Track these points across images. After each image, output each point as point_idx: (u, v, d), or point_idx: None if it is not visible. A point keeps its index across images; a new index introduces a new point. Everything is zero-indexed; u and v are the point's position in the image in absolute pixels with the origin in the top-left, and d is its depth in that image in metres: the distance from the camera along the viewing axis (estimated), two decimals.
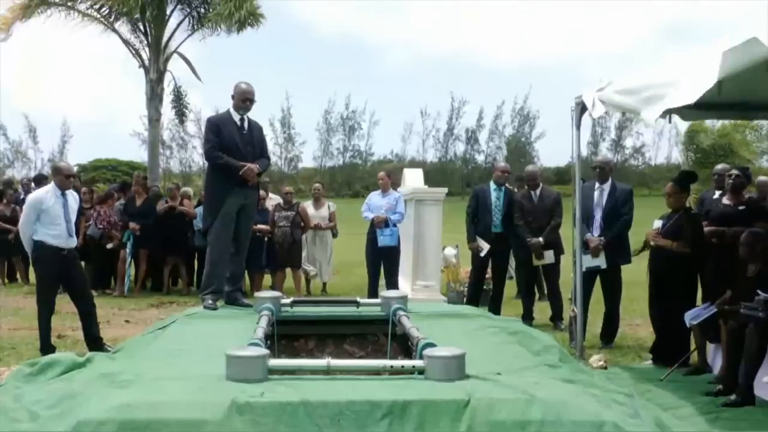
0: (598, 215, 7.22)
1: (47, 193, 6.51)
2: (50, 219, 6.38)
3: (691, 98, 4.32)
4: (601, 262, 7.09)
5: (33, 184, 11.79)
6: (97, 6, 16.10)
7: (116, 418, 3.03)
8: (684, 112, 5.82)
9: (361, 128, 46.65)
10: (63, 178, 6.56)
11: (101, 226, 10.56)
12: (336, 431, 3.06)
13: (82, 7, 16.17)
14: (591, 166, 7.91)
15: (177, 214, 10.88)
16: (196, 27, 17.03)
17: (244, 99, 5.74)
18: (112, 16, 16.30)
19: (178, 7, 16.88)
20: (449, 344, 3.77)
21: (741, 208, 5.94)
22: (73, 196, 6.69)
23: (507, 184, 8.71)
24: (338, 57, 67.15)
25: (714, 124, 18.20)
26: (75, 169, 6.84)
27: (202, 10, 16.83)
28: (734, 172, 6.19)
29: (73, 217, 6.59)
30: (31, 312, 7.03)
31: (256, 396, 3.14)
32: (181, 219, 10.86)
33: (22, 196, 11.51)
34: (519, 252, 8.67)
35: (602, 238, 7.11)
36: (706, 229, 6.08)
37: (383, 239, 9.09)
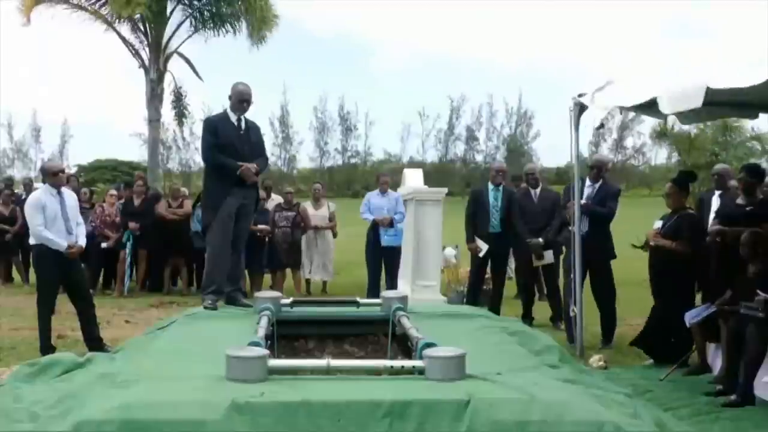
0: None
1: (42, 192, 6.52)
2: (49, 218, 6.38)
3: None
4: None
5: (35, 185, 11.77)
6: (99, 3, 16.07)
7: (116, 418, 3.03)
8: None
9: (357, 129, 46.55)
10: (51, 176, 6.56)
11: (92, 225, 10.52)
12: (336, 431, 3.06)
13: (86, 4, 16.15)
14: (587, 165, 7.92)
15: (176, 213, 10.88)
16: (198, 27, 16.97)
17: (241, 100, 5.73)
18: (113, 15, 16.24)
19: (179, 7, 16.85)
20: (449, 344, 3.77)
21: (748, 208, 5.83)
22: (69, 194, 6.69)
23: (505, 184, 8.71)
24: (334, 55, 67.00)
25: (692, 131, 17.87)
26: (64, 165, 6.84)
27: (207, 13, 16.77)
28: (742, 174, 6.05)
29: (72, 215, 6.58)
30: (31, 312, 7.03)
31: (256, 396, 3.14)
32: (180, 219, 10.85)
33: (24, 197, 11.47)
34: (518, 252, 8.66)
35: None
36: (709, 228, 6.05)
37: (388, 239, 9.11)
